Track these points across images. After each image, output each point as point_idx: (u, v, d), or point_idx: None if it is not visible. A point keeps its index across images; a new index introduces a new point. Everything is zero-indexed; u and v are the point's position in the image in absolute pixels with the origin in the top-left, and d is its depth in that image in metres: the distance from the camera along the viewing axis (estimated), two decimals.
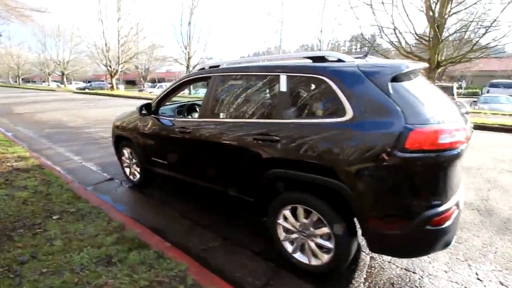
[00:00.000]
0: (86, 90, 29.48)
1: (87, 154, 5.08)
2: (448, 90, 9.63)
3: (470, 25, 9.76)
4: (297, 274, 1.97)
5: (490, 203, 3.08)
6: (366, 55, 2.06)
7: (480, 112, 10.65)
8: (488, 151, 5.14)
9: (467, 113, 1.91)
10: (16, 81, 47.65)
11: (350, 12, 14.22)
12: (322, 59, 1.95)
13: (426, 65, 1.94)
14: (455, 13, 9.59)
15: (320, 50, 21.70)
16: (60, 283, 1.72)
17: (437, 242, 1.58)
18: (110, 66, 27.66)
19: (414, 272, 2.02)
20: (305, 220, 1.90)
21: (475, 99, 15.24)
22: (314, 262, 1.92)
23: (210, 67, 2.62)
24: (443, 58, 10.62)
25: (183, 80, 2.82)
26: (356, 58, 1.95)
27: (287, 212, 1.98)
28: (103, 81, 37.60)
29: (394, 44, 10.69)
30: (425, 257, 2.14)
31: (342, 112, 1.66)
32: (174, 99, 3.42)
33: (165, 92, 2.96)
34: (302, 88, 1.89)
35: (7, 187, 3.20)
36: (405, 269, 2.05)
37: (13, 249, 2.04)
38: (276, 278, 1.94)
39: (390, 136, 1.49)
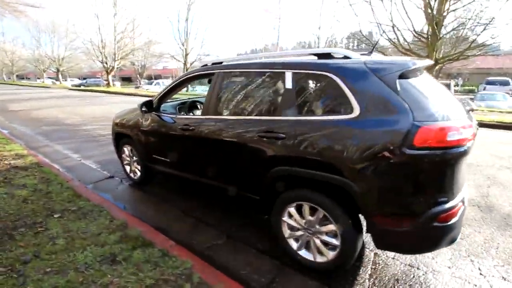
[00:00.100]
0: (82, 87, 29.14)
1: (85, 151, 5.03)
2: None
3: (467, 22, 9.80)
4: (302, 271, 1.97)
5: (490, 199, 3.11)
6: (371, 52, 2.06)
7: (477, 110, 10.72)
8: (487, 148, 5.18)
9: (472, 110, 1.91)
10: (10, 78, 46.98)
11: (348, 9, 14.18)
12: (327, 55, 1.94)
13: (431, 62, 1.93)
14: (453, 10, 9.62)
15: (318, 47, 21.64)
16: (65, 283, 1.70)
17: (443, 239, 1.59)
18: (106, 63, 27.33)
19: (418, 268, 2.03)
20: (310, 218, 1.90)
21: (471, 97, 15.35)
22: (320, 259, 1.92)
23: (213, 64, 2.59)
24: (440, 55, 10.66)
25: (185, 77, 2.79)
26: (361, 55, 1.95)
27: (292, 210, 1.98)
28: (98, 78, 37.17)
29: (393, 42, 10.70)
30: (428, 253, 2.15)
31: (349, 109, 1.65)
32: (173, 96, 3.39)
33: (166, 89, 2.93)
34: (308, 85, 1.87)
35: (6, 185, 3.15)
36: (409, 265, 2.07)
37: (15, 248, 2.01)
38: (282, 276, 1.95)
39: (398, 133, 1.48)
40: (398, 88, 1.55)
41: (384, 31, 10.44)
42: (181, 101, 3.63)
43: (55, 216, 2.52)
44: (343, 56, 1.87)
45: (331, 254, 1.85)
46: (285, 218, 2.03)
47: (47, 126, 7.48)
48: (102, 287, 1.69)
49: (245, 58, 2.59)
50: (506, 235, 2.43)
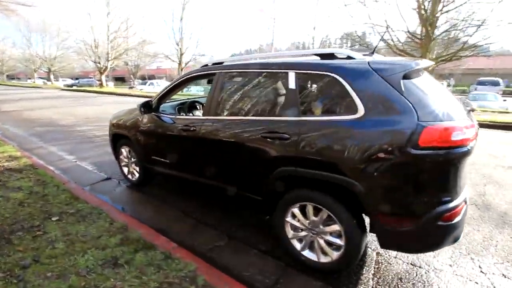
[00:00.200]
0: (74, 87, 28.70)
1: (80, 153, 4.95)
2: None
3: (459, 24, 9.97)
4: (306, 271, 1.97)
5: (487, 198, 3.17)
6: (373, 52, 2.07)
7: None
8: (481, 147, 5.27)
9: (472, 110, 1.94)
10: None
11: (343, 9, 14.29)
12: (331, 56, 1.94)
13: (432, 62, 1.95)
14: (446, 11, 9.77)
15: (313, 47, 21.74)
16: (67, 287, 1.66)
17: (447, 237, 1.61)
18: (99, 63, 26.99)
19: (420, 267, 2.05)
20: (314, 218, 1.90)
21: (463, 97, 15.58)
22: (324, 259, 1.92)
23: (214, 64, 2.57)
24: (434, 56, 10.81)
25: (185, 77, 2.76)
26: (364, 55, 1.95)
27: (296, 210, 1.97)
28: (91, 78, 36.59)
29: (387, 42, 10.81)
30: (429, 252, 2.18)
31: (354, 110, 1.66)
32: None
33: (166, 90, 2.90)
34: (313, 85, 1.87)
35: (1, 188, 3.08)
36: (411, 264, 2.08)
37: (14, 253, 1.96)
38: (285, 276, 1.94)
39: (403, 133, 1.49)
40: (403, 89, 1.57)
41: (379, 33, 10.54)
42: (181, 101, 3.60)
43: (53, 219, 2.47)
44: (346, 56, 1.88)
45: (335, 254, 1.86)
46: (289, 218, 2.03)
47: (40, 127, 7.35)
48: None
49: (245, 58, 2.58)
50: (504, 233, 2.47)
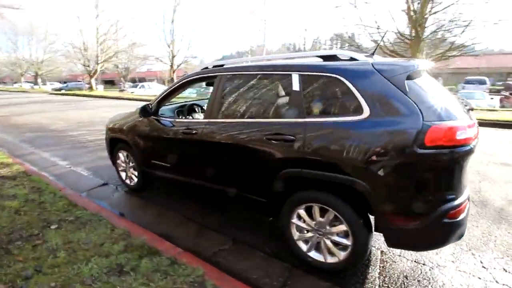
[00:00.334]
0: (63, 91, 28.08)
1: (74, 158, 4.85)
2: None
3: (446, 25, 10.21)
4: (313, 272, 1.98)
5: (483, 194, 3.25)
6: (373, 53, 2.10)
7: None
8: None
9: (472, 109, 1.99)
10: None
11: (334, 11, 14.44)
12: (333, 57, 1.96)
13: (432, 63, 2.00)
14: (434, 13, 9.99)
15: (305, 48, 21.89)
16: None
17: (453, 234, 1.64)
18: (89, 66, 26.50)
19: (424, 264, 2.08)
20: (321, 219, 1.91)
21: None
22: (331, 259, 1.93)
23: (214, 67, 2.56)
24: (423, 56, 11.04)
25: (185, 80, 2.74)
26: (365, 56, 1.98)
27: (301, 211, 1.98)
28: (80, 81, 35.89)
29: (378, 43, 10.97)
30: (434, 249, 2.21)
31: (359, 111, 1.68)
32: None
33: (165, 93, 2.87)
34: (316, 87, 1.88)
35: None
36: (415, 261, 2.12)
37: (14, 264, 1.90)
38: (293, 278, 1.94)
39: (409, 133, 1.52)
40: (407, 89, 1.59)
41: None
42: (180, 104, 3.56)
43: (52, 227, 2.41)
44: (349, 58, 1.90)
45: (342, 254, 1.87)
46: (294, 220, 2.03)
47: (31, 133, 7.16)
48: None
49: (246, 60, 2.58)
50: (501, 228, 2.54)
